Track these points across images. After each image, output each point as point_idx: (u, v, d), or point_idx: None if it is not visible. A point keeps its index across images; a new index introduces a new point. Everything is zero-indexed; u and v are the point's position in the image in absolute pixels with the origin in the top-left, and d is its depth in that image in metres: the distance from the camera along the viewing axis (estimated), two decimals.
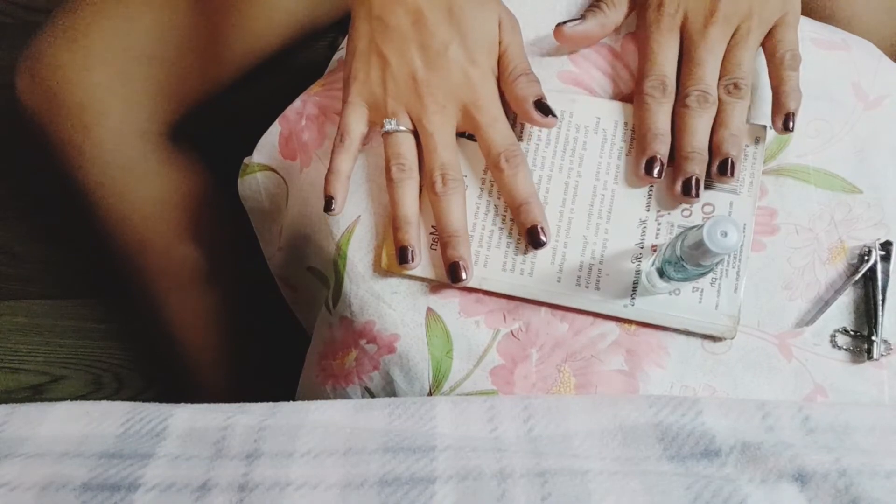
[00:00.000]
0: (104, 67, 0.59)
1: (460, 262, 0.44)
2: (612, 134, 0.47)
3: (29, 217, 0.91)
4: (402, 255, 0.45)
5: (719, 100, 0.46)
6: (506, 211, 0.46)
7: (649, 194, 0.46)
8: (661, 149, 0.46)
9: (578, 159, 0.47)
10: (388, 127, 0.46)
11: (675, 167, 0.46)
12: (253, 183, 0.53)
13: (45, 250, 0.91)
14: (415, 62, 0.45)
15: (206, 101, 0.64)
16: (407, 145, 0.46)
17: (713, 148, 0.46)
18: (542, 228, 0.45)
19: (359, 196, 0.48)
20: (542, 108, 0.45)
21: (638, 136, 0.47)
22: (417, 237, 0.46)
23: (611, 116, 0.48)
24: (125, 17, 0.58)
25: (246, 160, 0.52)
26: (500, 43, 0.47)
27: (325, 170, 0.46)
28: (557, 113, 0.46)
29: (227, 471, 0.34)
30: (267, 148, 0.52)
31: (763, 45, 0.47)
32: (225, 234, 0.69)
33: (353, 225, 0.47)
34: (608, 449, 0.34)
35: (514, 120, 0.48)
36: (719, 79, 0.46)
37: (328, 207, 0.46)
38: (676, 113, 0.46)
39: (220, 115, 0.67)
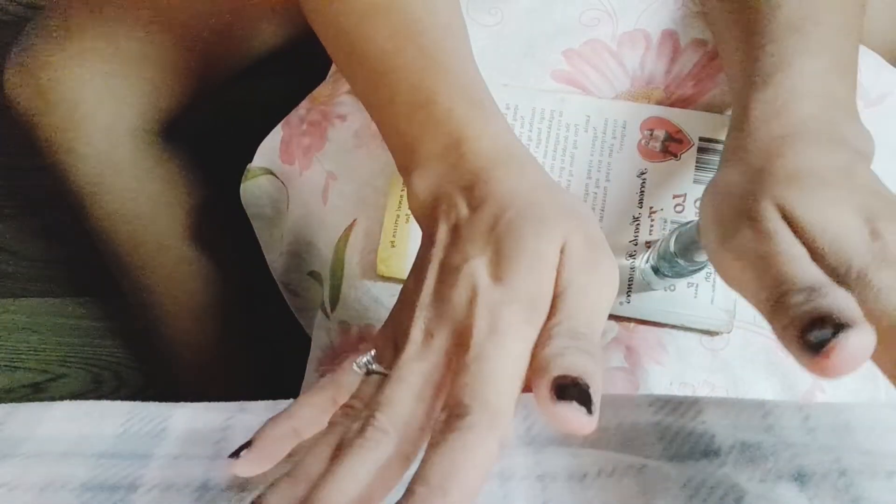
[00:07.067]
0: (96, 66, 0.58)
1: None
2: (603, 132, 0.47)
3: (28, 215, 0.91)
4: None
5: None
6: None
7: (641, 191, 0.46)
8: None
9: (570, 158, 0.47)
10: (361, 361, 0.33)
11: None
12: (255, 188, 0.53)
13: (44, 249, 0.91)
14: (428, 280, 0.33)
15: (203, 99, 0.64)
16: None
17: None
18: None
19: (355, 198, 0.48)
20: (564, 391, 0.27)
21: None
22: None
23: (601, 114, 0.48)
24: (118, 17, 0.58)
25: (249, 166, 0.52)
26: (558, 276, 0.31)
27: (324, 173, 0.43)
28: (547, 113, 0.41)
29: (227, 471, 0.34)
30: (268, 152, 0.51)
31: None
32: (223, 234, 0.69)
33: (350, 227, 0.47)
34: (608, 448, 0.34)
35: None
36: None
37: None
38: None
39: (220, 115, 0.67)
